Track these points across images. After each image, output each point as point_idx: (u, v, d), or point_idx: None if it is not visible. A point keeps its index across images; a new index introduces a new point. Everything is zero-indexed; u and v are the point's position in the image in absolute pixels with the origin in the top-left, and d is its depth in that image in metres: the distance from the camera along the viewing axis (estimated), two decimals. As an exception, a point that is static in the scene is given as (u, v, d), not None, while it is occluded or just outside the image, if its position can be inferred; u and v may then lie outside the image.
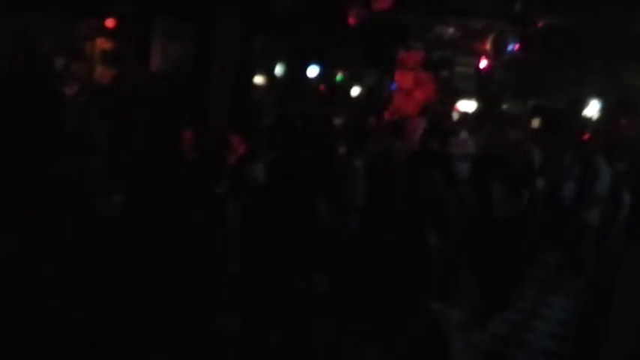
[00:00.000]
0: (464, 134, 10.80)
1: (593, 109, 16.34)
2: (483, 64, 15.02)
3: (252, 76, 11.76)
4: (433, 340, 4.47)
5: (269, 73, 16.66)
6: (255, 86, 13.66)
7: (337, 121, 10.84)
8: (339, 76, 18.76)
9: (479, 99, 16.54)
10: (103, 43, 11.66)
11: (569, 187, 9.41)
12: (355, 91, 18.45)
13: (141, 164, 6.66)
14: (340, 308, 5.34)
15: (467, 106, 16.58)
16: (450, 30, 15.08)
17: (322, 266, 5.64)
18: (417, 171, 7.06)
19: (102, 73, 10.99)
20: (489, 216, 7.05)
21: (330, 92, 17.31)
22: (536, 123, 15.37)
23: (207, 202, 6.15)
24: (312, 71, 17.07)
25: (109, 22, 11.64)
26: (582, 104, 16.40)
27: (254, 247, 5.82)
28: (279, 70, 17.11)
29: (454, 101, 16.37)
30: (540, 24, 12.70)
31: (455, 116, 14.92)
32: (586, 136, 12.29)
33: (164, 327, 5.01)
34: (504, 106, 17.32)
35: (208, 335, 5.36)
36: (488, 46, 14.27)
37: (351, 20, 12.95)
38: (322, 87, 17.57)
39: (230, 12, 9.57)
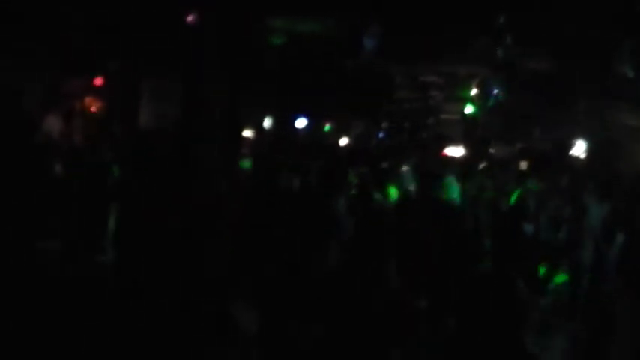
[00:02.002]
0: (450, 179, 10.99)
1: (579, 149, 16.47)
2: (469, 109, 15.21)
3: (240, 131, 11.84)
4: None
5: (257, 126, 16.77)
6: (244, 140, 13.74)
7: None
8: (327, 127, 18.91)
9: (466, 144, 16.67)
10: (91, 101, 11.75)
11: (561, 229, 9.44)
12: (343, 141, 18.59)
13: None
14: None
15: (454, 151, 16.71)
16: (435, 78, 15.31)
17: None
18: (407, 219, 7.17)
19: (90, 130, 11.05)
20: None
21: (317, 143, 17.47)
22: (523, 166, 15.46)
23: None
24: (300, 123, 17.21)
25: (98, 80, 11.73)
26: (569, 145, 16.52)
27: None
28: (267, 123, 17.23)
29: (441, 147, 16.50)
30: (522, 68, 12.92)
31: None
32: (573, 177, 12.36)
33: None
34: (491, 150, 17.45)
35: None
36: (472, 91, 14.47)
37: (337, 72, 13.15)
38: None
39: (218, 70, 9.69)
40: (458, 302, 6.28)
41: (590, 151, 16.07)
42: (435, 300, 6.29)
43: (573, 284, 9.29)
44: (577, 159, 15.93)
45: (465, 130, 16.87)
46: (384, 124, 17.26)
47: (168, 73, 11.04)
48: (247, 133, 15.68)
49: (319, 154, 12.61)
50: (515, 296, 5.80)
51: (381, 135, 16.61)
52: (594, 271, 8.90)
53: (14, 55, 9.60)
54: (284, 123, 17.02)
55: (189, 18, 9.95)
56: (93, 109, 11.65)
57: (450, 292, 6.41)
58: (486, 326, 5.85)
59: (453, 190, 10.69)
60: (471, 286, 6.06)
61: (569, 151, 16.13)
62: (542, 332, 8.49)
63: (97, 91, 11.82)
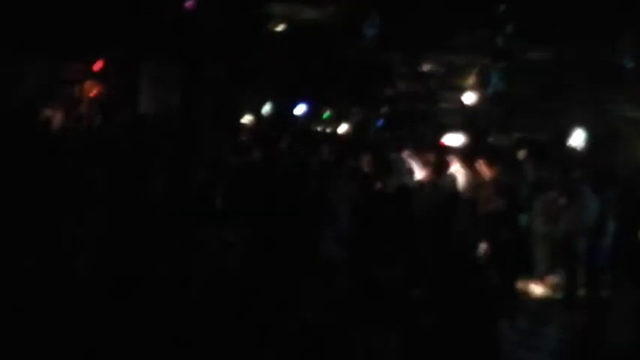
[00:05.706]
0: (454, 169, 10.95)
1: (578, 139, 16.47)
2: (468, 98, 15.21)
3: (239, 117, 11.87)
4: None
5: (256, 112, 16.76)
6: (243, 126, 13.74)
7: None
8: (326, 114, 18.88)
9: (465, 133, 16.66)
10: (91, 87, 11.72)
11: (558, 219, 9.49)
12: (342, 128, 18.57)
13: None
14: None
15: (453, 140, 16.69)
16: (434, 66, 15.30)
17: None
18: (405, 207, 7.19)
19: (90, 116, 11.05)
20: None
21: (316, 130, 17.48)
22: (521, 155, 15.47)
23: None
24: (300, 109, 17.19)
25: (97, 66, 11.71)
26: (567, 135, 16.53)
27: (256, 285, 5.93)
28: (266, 109, 17.20)
29: (440, 136, 16.49)
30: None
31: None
32: (572, 167, 12.38)
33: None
34: (490, 139, 17.44)
35: None
36: (472, 80, 14.46)
37: (336, 59, 13.16)
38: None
39: (217, 56, 9.71)
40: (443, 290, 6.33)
41: (588, 141, 16.09)
42: (428, 289, 6.33)
43: (569, 274, 9.36)
44: (575, 149, 15.95)
45: (464, 119, 16.87)
46: (383, 112, 17.25)
47: (168, 58, 11.04)
48: (246, 119, 15.69)
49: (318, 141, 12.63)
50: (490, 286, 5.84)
51: (380, 123, 16.60)
52: (589, 261, 8.96)
53: (13, 42, 9.59)
54: (283, 109, 17.00)
55: (188, 3, 9.95)
56: (92, 94, 11.64)
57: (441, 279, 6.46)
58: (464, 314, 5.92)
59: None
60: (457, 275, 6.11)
61: (567, 142, 16.15)
62: (536, 320, 8.56)
63: (96, 76, 11.80)
